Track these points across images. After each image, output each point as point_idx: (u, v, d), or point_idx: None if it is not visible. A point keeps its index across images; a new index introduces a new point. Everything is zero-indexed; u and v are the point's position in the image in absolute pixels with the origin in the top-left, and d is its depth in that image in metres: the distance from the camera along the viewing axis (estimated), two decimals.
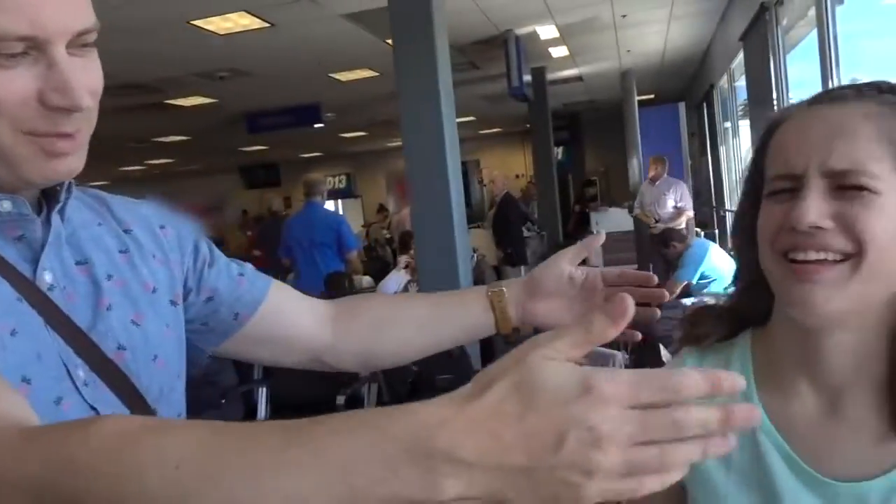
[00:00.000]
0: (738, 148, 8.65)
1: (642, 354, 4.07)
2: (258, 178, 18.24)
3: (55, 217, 0.82)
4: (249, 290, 1.00)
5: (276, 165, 18.23)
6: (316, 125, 11.27)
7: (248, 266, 1.03)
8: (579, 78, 11.73)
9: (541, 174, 11.59)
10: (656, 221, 7.72)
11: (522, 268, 8.53)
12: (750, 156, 0.85)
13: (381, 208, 14.43)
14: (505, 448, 0.42)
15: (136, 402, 0.81)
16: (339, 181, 18.21)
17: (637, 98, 11.57)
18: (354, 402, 4.05)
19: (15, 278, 0.75)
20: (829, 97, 0.78)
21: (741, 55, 6.86)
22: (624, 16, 7.89)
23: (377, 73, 8.95)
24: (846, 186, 0.71)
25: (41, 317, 0.76)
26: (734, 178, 8.87)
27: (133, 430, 0.52)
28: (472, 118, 14.24)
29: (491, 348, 6.07)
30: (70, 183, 0.84)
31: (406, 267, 6.19)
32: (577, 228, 12.35)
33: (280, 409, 3.97)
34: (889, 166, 0.71)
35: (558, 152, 14.83)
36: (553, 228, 11.31)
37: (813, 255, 0.71)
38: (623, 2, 7.32)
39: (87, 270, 0.84)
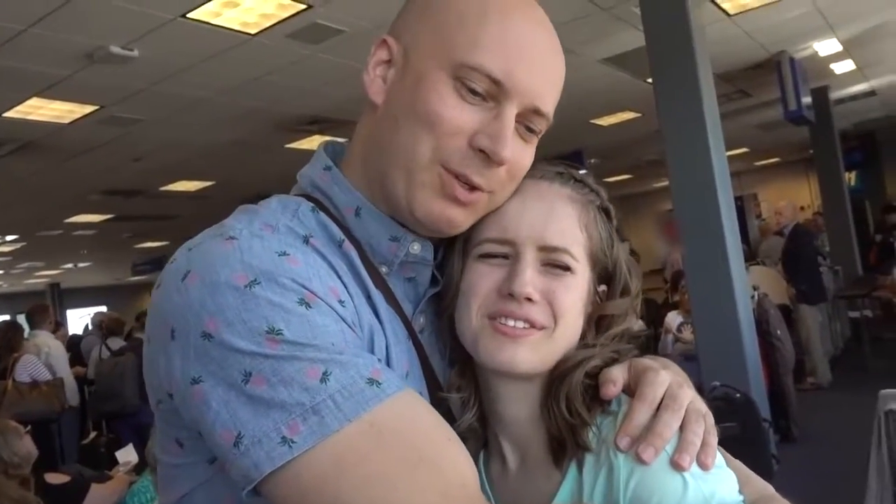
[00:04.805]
0: None
1: None
2: None
3: None
4: None
5: None
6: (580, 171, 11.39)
7: None
8: (871, 92, 10.52)
9: (830, 203, 10.45)
10: None
11: (821, 306, 7.69)
12: None
13: (632, 252, 14.04)
14: None
15: None
16: None
17: None
18: None
19: (403, 317, 0.81)
20: (539, 174, 0.83)
21: None
22: None
23: (638, 114, 8.83)
24: (553, 263, 0.79)
25: (418, 358, 0.81)
26: None
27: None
28: (744, 150, 13.40)
29: (781, 392, 5.55)
30: None
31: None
32: (880, 261, 10.91)
33: None
34: (582, 250, 0.80)
35: (851, 177, 13.28)
36: (849, 262, 10.10)
37: (521, 325, 0.77)
38: None
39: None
